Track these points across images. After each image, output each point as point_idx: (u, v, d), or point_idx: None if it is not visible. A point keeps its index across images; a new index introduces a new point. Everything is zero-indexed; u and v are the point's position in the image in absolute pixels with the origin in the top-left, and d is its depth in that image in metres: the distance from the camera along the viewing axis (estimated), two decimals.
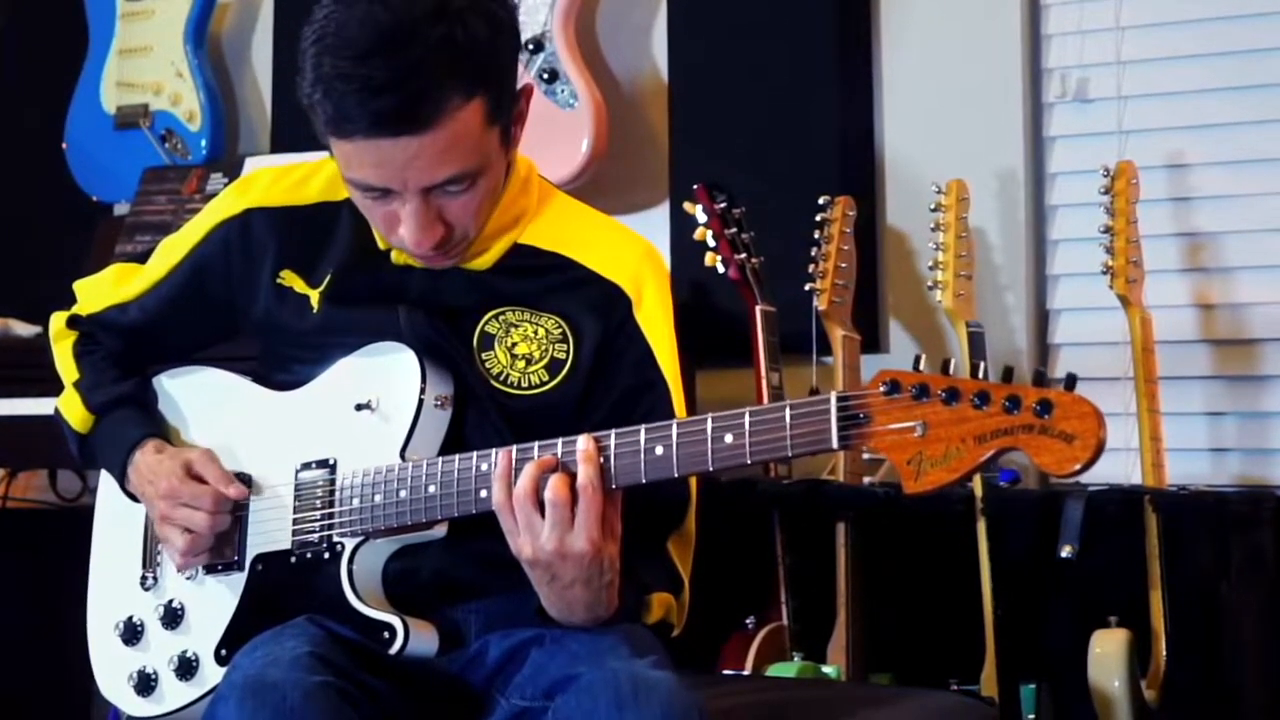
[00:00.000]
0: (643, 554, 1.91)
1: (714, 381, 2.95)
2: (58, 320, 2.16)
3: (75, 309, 2.16)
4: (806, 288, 2.84)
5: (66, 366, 2.13)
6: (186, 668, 1.99)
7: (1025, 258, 3.02)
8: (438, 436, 1.93)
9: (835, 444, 1.66)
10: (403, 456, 1.91)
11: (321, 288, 2.00)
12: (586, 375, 1.95)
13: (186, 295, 2.09)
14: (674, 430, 1.75)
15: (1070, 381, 1.59)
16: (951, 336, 2.82)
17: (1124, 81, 2.97)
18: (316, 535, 1.94)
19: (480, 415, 1.95)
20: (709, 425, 1.73)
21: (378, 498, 1.90)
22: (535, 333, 1.96)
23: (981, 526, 2.62)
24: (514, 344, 1.96)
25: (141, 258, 2.15)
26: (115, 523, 2.11)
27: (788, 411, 1.68)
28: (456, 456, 1.86)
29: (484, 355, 1.96)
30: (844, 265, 2.86)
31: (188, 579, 2.02)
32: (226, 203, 2.08)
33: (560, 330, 1.96)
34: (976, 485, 2.61)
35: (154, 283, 2.11)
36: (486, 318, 1.97)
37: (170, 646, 2.01)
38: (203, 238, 2.08)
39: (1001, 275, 3.01)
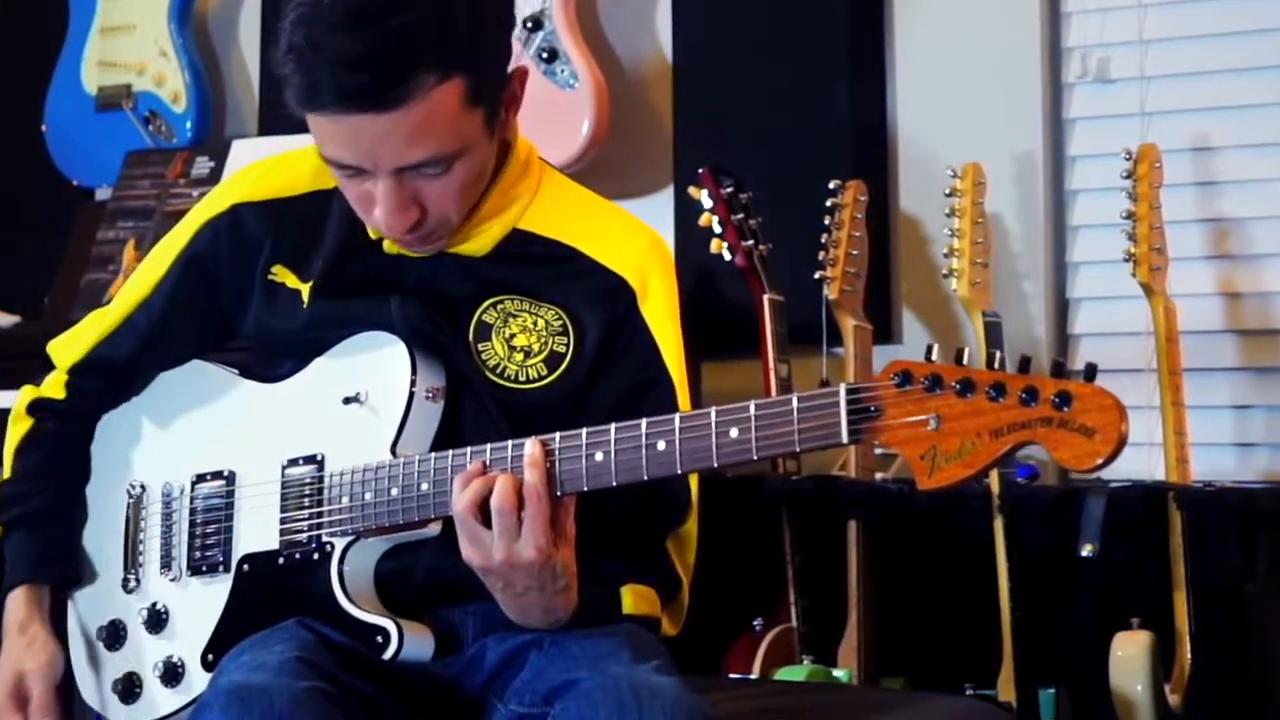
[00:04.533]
0: (634, 550, 1.90)
1: (720, 373, 2.93)
2: (22, 400, 2.10)
3: (51, 376, 2.09)
4: (816, 276, 2.82)
5: (7, 457, 2.09)
6: (172, 673, 1.96)
7: (1044, 245, 2.99)
8: (430, 430, 1.90)
9: (845, 438, 1.63)
10: (393, 452, 1.88)
11: (313, 281, 1.96)
12: (588, 370, 1.93)
13: (180, 301, 2.03)
14: (676, 424, 1.72)
15: (1090, 372, 1.57)
16: (967, 326, 2.80)
17: (1147, 61, 2.95)
18: (305, 535, 1.91)
19: (478, 408, 1.92)
20: (713, 419, 1.69)
21: (368, 495, 1.88)
22: (534, 324, 1.93)
23: (999, 524, 2.60)
24: (512, 335, 1.93)
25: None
26: (95, 523, 2.08)
27: (795, 404, 1.65)
28: (450, 452, 1.85)
29: (480, 346, 1.93)
30: (855, 253, 2.84)
31: (171, 580, 1.99)
32: (212, 202, 2.05)
33: (560, 322, 1.93)
34: (994, 482, 2.59)
35: (140, 300, 2.05)
36: (484, 306, 1.94)
37: (155, 651, 1.99)
38: (192, 237, 2.04)
39: (1019, 263, 2.99)
